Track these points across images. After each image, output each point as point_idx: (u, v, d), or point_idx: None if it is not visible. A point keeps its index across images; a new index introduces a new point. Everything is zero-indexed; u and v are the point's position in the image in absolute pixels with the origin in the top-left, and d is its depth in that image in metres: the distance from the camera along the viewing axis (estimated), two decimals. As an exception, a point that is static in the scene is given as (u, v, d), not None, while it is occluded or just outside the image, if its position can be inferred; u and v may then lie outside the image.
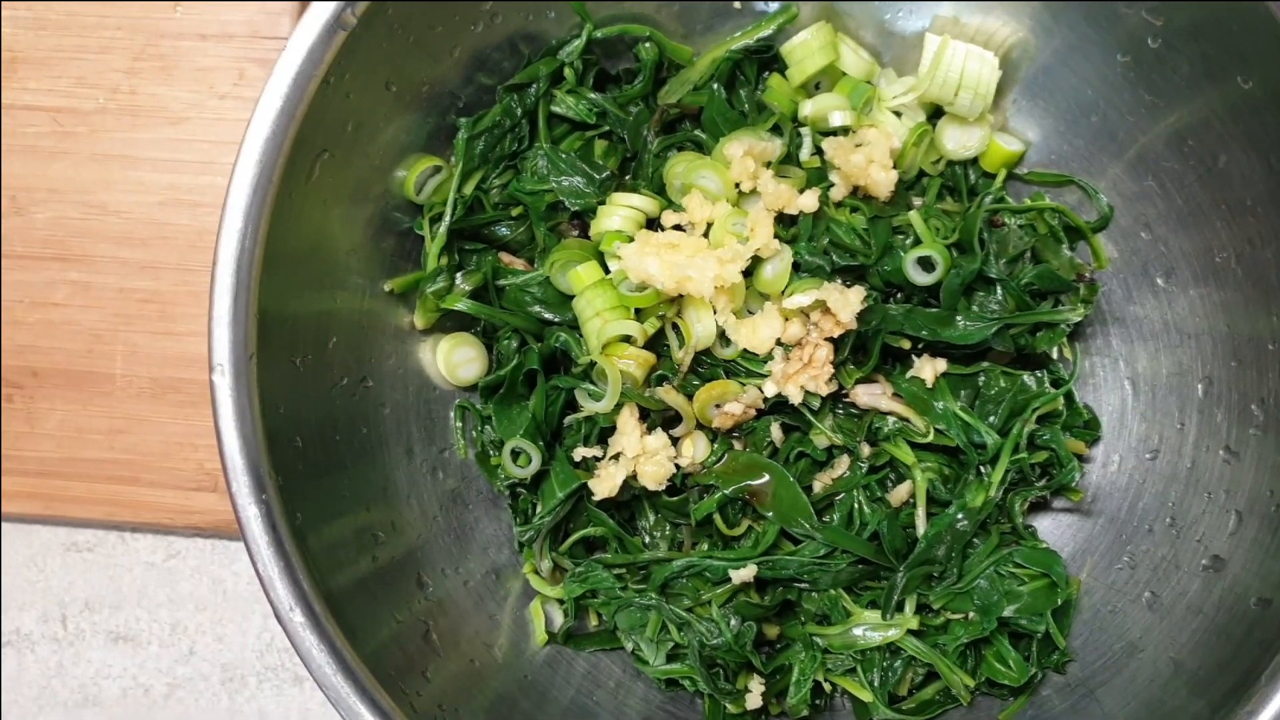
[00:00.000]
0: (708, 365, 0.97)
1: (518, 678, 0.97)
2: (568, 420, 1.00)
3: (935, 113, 1.03)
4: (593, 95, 1.00)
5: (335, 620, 0.83)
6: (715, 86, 1.01)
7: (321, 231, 0.90)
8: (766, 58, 1.03)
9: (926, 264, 0.94)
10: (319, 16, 0.83)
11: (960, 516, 0.95)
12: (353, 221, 0.93)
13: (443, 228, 0.97)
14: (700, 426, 0.97)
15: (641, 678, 1.01)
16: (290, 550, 0.83)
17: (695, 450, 0.97)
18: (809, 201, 0.94)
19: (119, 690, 1.19)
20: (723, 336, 0.95)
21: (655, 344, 0.98)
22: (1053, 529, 1.04)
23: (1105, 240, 1.02)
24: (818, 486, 0.97)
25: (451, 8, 0.91)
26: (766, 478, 0.95)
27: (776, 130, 1.01)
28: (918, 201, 1.01)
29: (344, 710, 0.82)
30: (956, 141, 1.02)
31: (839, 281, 0.95)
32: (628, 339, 0.95)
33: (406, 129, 0.95)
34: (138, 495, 1.15)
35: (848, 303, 0.90)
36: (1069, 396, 1.00)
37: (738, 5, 1.00)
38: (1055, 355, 1.01)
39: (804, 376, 0.92)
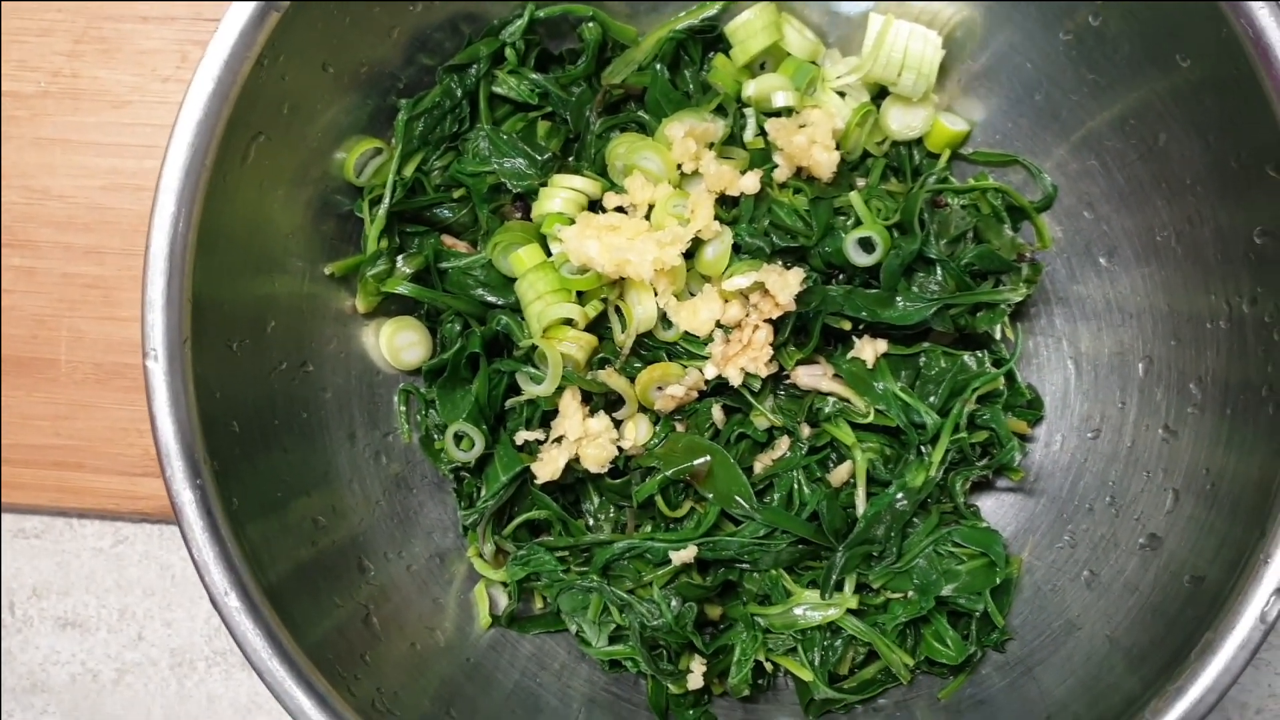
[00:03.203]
0: (649, 348, 0.97)
1: (460, 661, 0.97)
2: (510, 403, 0.99)
3: (880, 93, 1.03)
4: (535, 76, 0.99)
5: (272, 605, 0.83)
6: (659, 67, 1.00)
7: (258, 215, 0.89)
8: (711, 38, 1.02)
9: (867, 245, 0.94)
10: (251, -3, 0.83)
11: (900, 496, 0.95)
12: (291, 204, 0.93)
13: (382, 210, 0.96)
14: (642, 409, 0.97)
15: (586, 659, 1.01)
16: (226, 535, 0.83)
17: (637, 433, 0.97)
18: (750, 183, 0.94)
19: (68, 676, 1.18)
20: (664, 319, 0.95)
21: (598, 327, 0.98)
22: (996, 508, 1.04)
23: (1049, 220, 1.02)
24: (758, 467, 0.97)
25: (388, -12, 0.90)
26: (707, 459, 0.95)
27: (721, 111, 1.01)
28: (861, 182, 1.01)
29: (280, 694, 0.82)
30: (901, 122, 1.02)
31: (779, 263, 0.95)
32: (569, 322, 0.95)
33: (346, 110, 0.94)
34: (84, 481, 1.14)
35: (786, 284, 0.90)
36: (1010, 376, 1.00)
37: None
38: (998, 335, 1.01)
39: (744, 358, 0.92)
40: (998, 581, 0.95)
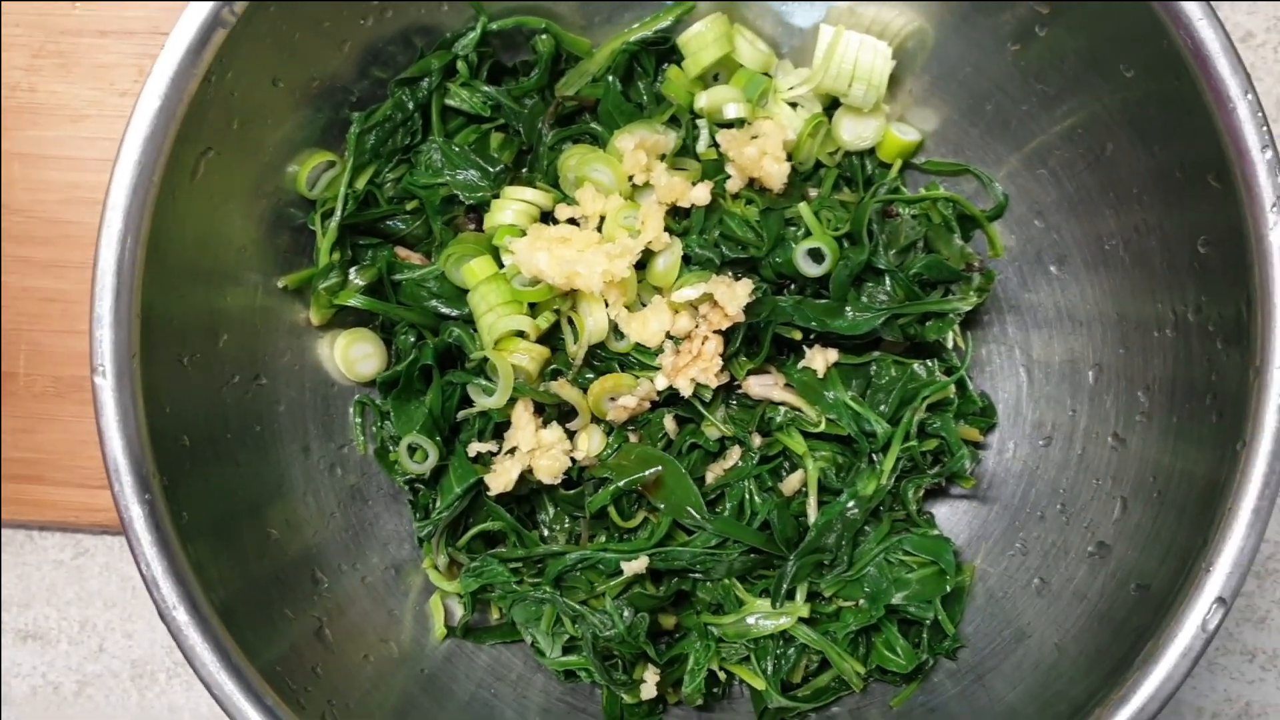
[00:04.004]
0: (602, 359, 0.97)
1: (415, 673, 0.97)
2: (463, 415, 1.00)
3: (834, 104, 1.03)
4: (487, 88, 1.00)
5: (221, 618, 0.83)
6: (611, 79, 1.00)
7: (210, 229, 0.89)
8: (664, 49, 1.03)
9: (816, 255, 0.95)
10: (197, 14, 0.83)
11: (851, 505, 0.96)
12: (244, 218, 0.93)
13: (333, 223, 0.97)
14: (595, 420, 0.98)
15: (542, 670, 1.02)
16: (175, 549, 0.83)
17: (590, 444, 0.97)
18: (701, 194, 0.95)
19: (28, 689, 1.18)
20: (616, 330, 0.96)
21: (550, 338, 0.98)
22: (950, 515, 1.05)
23: (1001, 228, 1.03)
24: (710, 477, 0.97)
25: (337, 5, 0.90)
26: (659, 469, 0.95)
27: (674, 122, 1.01)
28: (814, 193, 1.02)
29: (229, 708, 0.82)
30: (852, 132, 1.02)
31: (730, 274, 0.95)
32: (521, 334, 0.95)
33: (298, 125, 0.94)
34: (44, 494, 1.15)
35: (735, 295, 0.91)
36: (961, 384, 1.00)
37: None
38: (950, 344, 1.01)
39: (694, 369, 0.93)
40: (948, 589, 0.96)
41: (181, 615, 0.82)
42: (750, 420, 0.98)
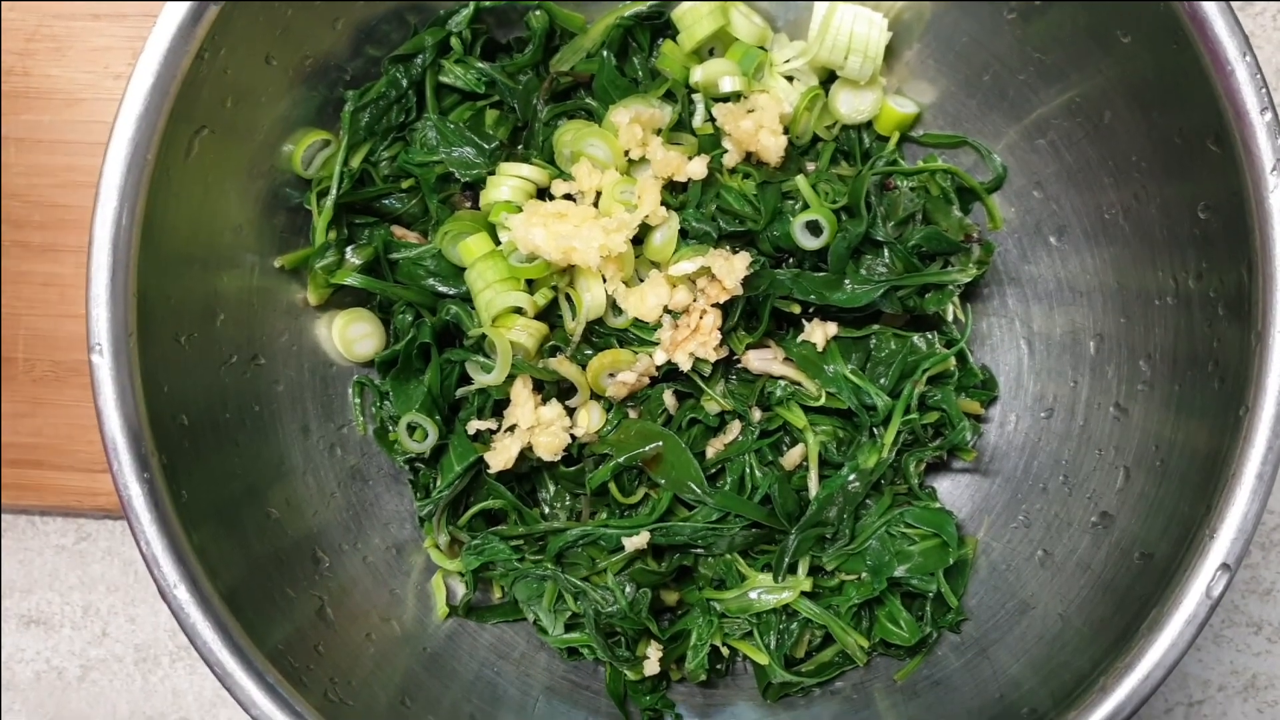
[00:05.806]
0: (600, 335, 0.97)
1: (418, 651, 0.97)
2: (462, 393, 0.99)
3: (830, 77, 1.03)
4: (481, 65, 0.99)
5: (221, 597, 0.83)
6: (606, 54, 1.00)
7: (205, 208, 0.89)
8: (659, 24, 1.02)
9: (814, 228, 0.94)
10: (190, -8, 0.83)
11: (852, 478, 0.95)
12: (240, 198, 0.93)
13: (329, 202, 0.96)
14: (595, 396, 0.97)
15: (545, 648, 1.02)
16: (175, 528, 0.83)
17: (590, 420, 0.97)
18: (697, 168, 0.94)
19: (32, 674, 1.18)
20: (614, 305, 0.95)
21: (548, 314, 0.98)
22: (952, 489, 1.04)
23: (1000, 200, 1.02)
24: (710, 452, 0.97)
25: (329, -19, 0.90)
26: (659, 445, 0.95)
27: (670, 97, 1.01)
28: (811, 167, 1.01)
29: (230, 686, 0.82)
30: (849, 105, 1.02)
31: (727, 247, 0.95)
32: (519, 310, 0.95)
33: (293, 103, 0.94)
34: (44, 479, 1.14)
35: (733, 269, 0.90)
36: (962, 357, 1.00)
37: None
38: (950, 316, 1.01)
39: (692, 343, 0.92)
40: (950, 562, 0.95)
41: (182, 594, 0.82)
42: (750, 394, 0.97)
